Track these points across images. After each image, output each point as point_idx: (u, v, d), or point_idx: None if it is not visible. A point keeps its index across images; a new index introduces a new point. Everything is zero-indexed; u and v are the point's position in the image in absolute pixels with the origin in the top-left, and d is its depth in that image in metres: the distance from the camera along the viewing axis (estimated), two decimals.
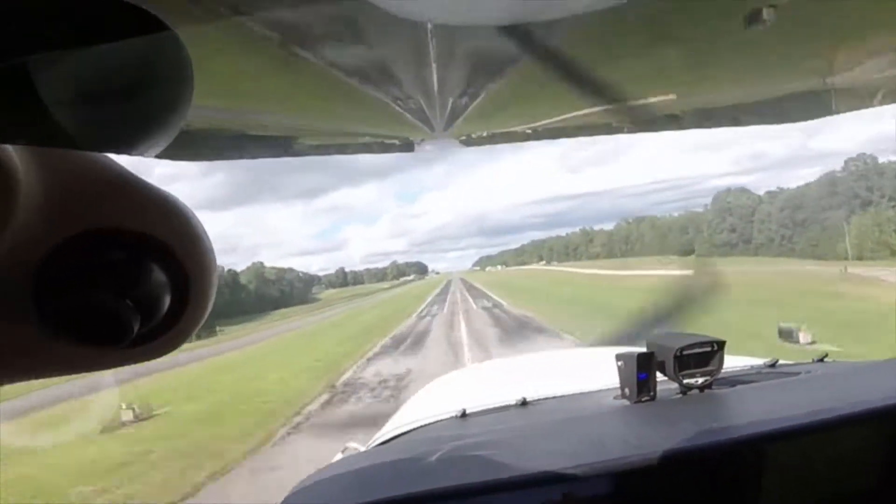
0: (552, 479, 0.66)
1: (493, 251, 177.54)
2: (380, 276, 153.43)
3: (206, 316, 0.29)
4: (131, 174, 0.27)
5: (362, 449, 1.19)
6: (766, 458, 0.70)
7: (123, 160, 0.27)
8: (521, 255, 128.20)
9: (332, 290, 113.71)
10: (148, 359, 0.29)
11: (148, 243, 0.27)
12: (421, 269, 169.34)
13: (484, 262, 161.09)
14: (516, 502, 0.68)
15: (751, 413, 0.81)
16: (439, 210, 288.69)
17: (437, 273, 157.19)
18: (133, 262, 0.26)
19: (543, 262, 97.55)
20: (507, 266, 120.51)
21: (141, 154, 0.26)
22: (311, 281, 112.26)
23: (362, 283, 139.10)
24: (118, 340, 0.25)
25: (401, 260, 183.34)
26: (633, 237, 73.72)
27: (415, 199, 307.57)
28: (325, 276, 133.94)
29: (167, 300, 0.27)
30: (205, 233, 0.29)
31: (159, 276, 0.27)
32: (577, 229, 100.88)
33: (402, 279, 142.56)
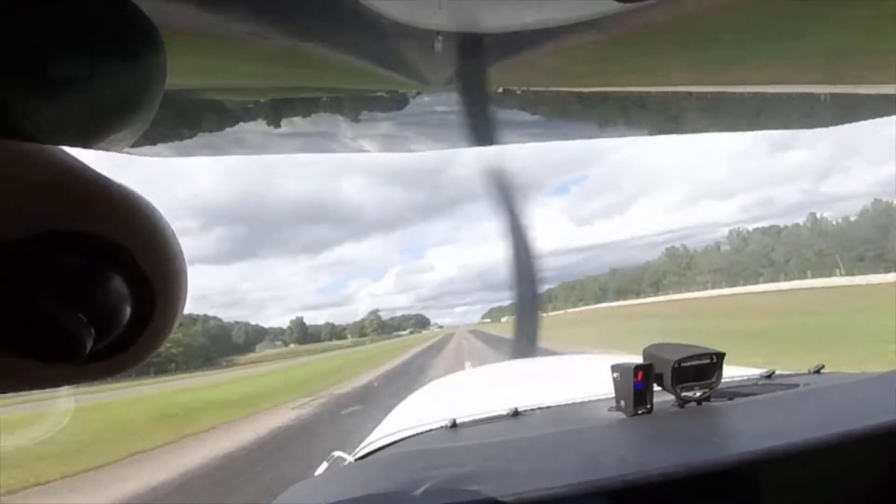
0: (547, 500, 0.61)
1: (504, 303, 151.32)
2: (356, 330, 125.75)
3: (172, 330, 0.26)
4: (88, 168, 0.23)
5: (348, 459, 1.15)
6: (764, 475, 0.67)
7: (91, 156, 0.23)
8: (548, 302, 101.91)
9: (271, 350, 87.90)
10: (105, 376, 0.25)
11: (106, 247, 0.23)
12: (421, 323, 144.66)
13: (495, 313, 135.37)
14: None
15: (749, 428, 0.78)
16: (445, 265, 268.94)
17: (441, 327, 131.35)
18: (88, 269, 0.23)
19: (598, 303, 70.87)
20: None
21: (105, 148, 0.23)
22: (256, 335, 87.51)
23: (343, 338, 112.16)
24: (69, 357, 0.22)
25: (400, 314, 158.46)
26: (788, 251, 47.91)
27: (421, 254, 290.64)
28: (288, 328, 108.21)
29: (127, 312, 0.24)
30: (173, 236, 0.25)
31: (118, 285, 0.23)
32: (662, 256, 74.90)
33: (394, 334, 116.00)
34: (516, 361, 2.13)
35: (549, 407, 1.07)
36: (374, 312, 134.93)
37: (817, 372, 1.10)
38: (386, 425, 1.26)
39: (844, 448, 0.65)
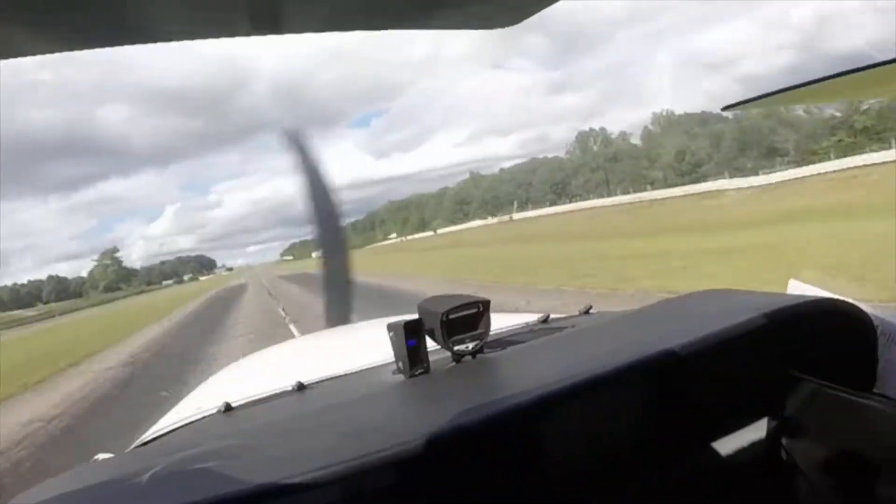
0: (329, 480, 0.55)
1: (309, 237, 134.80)
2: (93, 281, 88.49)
3: None
4: None
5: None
6: (539, 420, 0.68)
7: None
8: (366, 231, 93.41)
9: None
10: None
11: None
12: (203, 266, 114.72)
13: (297, 249, 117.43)
14: None
15: (522, 375, 0.79)
16: (235, 201, 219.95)
17: (230, 269, 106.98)
18: None
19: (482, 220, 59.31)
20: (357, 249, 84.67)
21: None
22: None
23: (80, 296, 77.45)
24: None
25: (173, 257, 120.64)
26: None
27: (205, 189, 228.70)
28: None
29: None
30: None
31: None
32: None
33: (163, 284, 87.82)
34: (307, 338, 2.11)
35: (336, 376, 1.03)
36: (110, 254, 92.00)
37: (587, 312, 1.19)
38: (160, 422, 1.11)
39: (612, 382, 0.68)
